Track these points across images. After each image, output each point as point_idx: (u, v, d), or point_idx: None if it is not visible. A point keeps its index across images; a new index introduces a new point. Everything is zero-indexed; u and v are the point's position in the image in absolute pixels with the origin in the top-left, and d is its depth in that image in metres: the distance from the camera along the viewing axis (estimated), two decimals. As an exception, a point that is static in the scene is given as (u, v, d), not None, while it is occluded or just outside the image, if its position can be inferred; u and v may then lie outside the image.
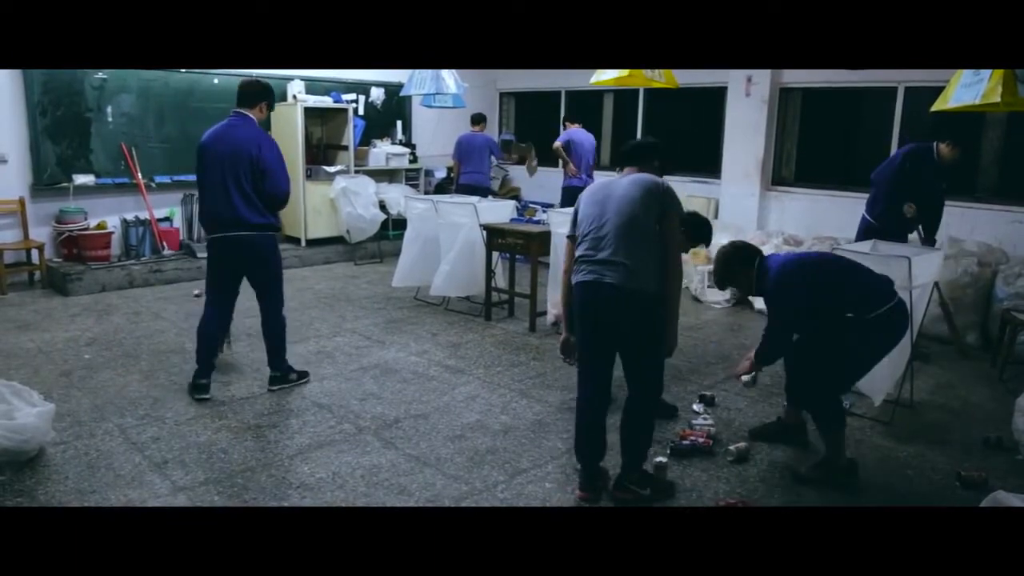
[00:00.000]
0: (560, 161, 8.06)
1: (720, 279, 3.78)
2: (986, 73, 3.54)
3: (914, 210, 5.12)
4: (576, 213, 3.35)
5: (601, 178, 3.60)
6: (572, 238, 3.33)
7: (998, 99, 3.47)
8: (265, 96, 4.28)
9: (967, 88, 3.68)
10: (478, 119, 8.42)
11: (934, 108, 4.05)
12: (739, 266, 3.63)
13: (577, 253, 3.22)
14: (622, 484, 3.29)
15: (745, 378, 4.54)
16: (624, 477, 3.28)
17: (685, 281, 7.35)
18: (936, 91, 4.18)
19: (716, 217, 8.16)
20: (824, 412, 3.49)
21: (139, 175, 7.51)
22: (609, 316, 3.11)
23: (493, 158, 8.38)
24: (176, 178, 7.88)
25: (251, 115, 4.25)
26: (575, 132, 7.93)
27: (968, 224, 6.34)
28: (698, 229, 3.97)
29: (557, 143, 7.86)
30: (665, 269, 3.10)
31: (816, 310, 3.42)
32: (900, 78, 6.88)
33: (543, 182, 10.11)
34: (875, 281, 3.51)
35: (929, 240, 5.31)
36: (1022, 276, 5.51)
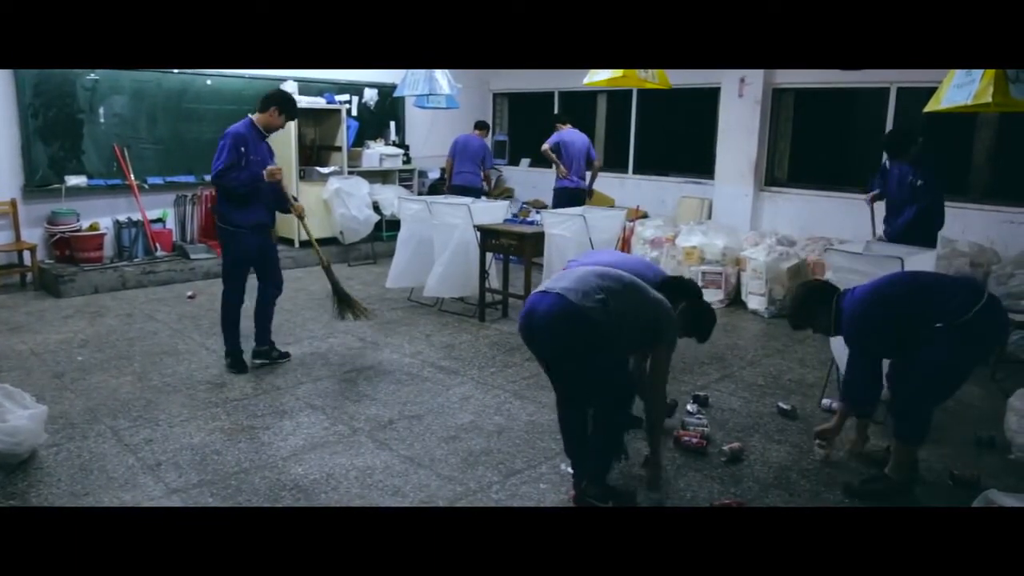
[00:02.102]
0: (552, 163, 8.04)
1: (797, 321, 3.60)
2: (977, 74, 3.55)
3: (869, 197, 5.52)
4: None
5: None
6: None
7: (989, 99, 3.48)
8: (273, 101, 4.69)
9: (959, 89, 3.69)
10: (481, 125, 8.52)
11: (927, 109, 4.07)
12: (817, 306, 3.46)
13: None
14: (582, 497, 3.22)
15: (820, 453, 3.75)
16: (585, 490, 3.22)
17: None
18: (928, 91, 4.19)
19: (710, 217, 8.17)
20: (907, 420, 3.31)
21: (131, 176, 7.48)
22: (546, 340, 3.07)
23: (484, 164, 8.38)
24: (169, 179, 7.87)
25: (255, 117, 4.70)
26: (566, 133, 7.85)
27: (960, 224, 6.36)
28: (699, 321, 3.51)
29: (545, 146, 7.77)
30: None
31: (899, 339, 3.24)
32: (893, 78, 6.90)
33: (536, 182, 10.13)
34: (956, 287, 3.26)
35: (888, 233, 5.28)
36: (1014, 276, 5.54)
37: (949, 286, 3.28)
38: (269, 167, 4.64)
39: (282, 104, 4.69)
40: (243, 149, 4.53)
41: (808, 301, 3.52)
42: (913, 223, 5.15)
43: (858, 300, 3.32)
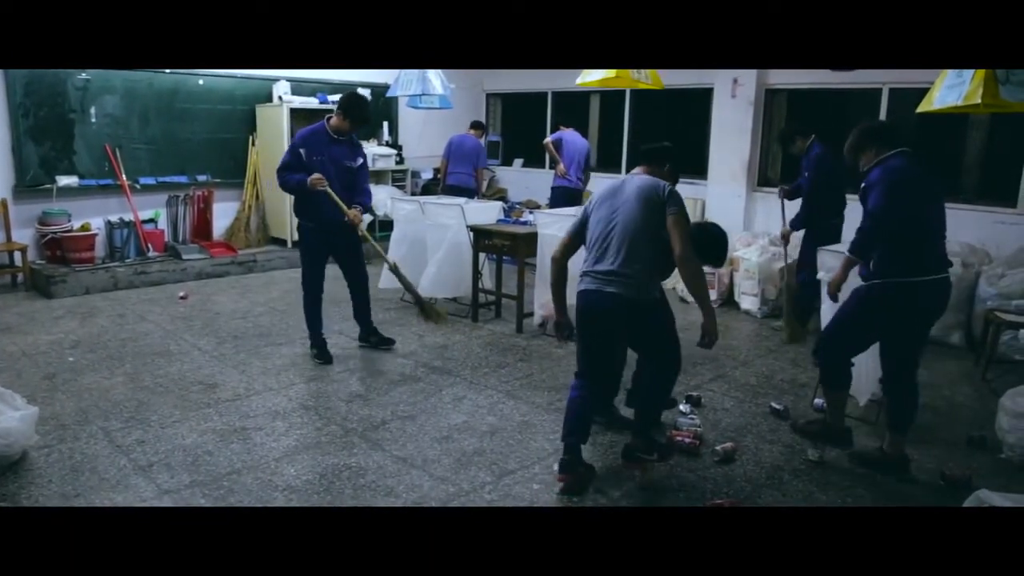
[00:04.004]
0: (549, 160, 8.07)
1: (855, 141, 3.70)
2: (968, 75, 3.57)
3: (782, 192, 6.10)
4: (585, 214, 3.52)
5: (610, 180, 3.69)
6: (574, 235, 3.53)
7: (979, 100, 3.49)
8: (339, 105, 4.89)
9: (950, 90, 3.71)
10: (477, 125, 8.53)
11: (919, 109, 4.08)
12: (874, 143, 3.61)
13: (584, 267, 3.39)
14: (632, 455, 3.45)
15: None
16: (633, 447, 3.45)
17: (671, 282, 7.35)
18: (920, 92, 4.21)
19: (703, 218, 8.18)
20: (893, 400, 3.67)
21: (123, 176, 7.45)
22: (608, 323, 3.33)
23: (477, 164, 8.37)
24: (161, 179, 7.83)
25: (328, 120, 4.90)
26: (567, 133, 7.97)
27: (951, 225, 6.29)
28: (705, 248, 3.64)
29: (547, 139, 7.91)
30: (668, 273, 3.44)
31: (901, 225, 3.44)
32: (885, 79, 6.92)
33: (529, 182, 10.12)
34: (940, 249, 3.60)
35: (795, 225, 5.82)
36: (1005, 276, 5.56)
37: (938, 243, 3.60)
38: (311, 176, 4.72)
39: (346, 108, 4.84)
40: (302, 151, 4.79)
41: (872, 133, 3.67)
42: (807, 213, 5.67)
43: (903, 163, 3.52)
